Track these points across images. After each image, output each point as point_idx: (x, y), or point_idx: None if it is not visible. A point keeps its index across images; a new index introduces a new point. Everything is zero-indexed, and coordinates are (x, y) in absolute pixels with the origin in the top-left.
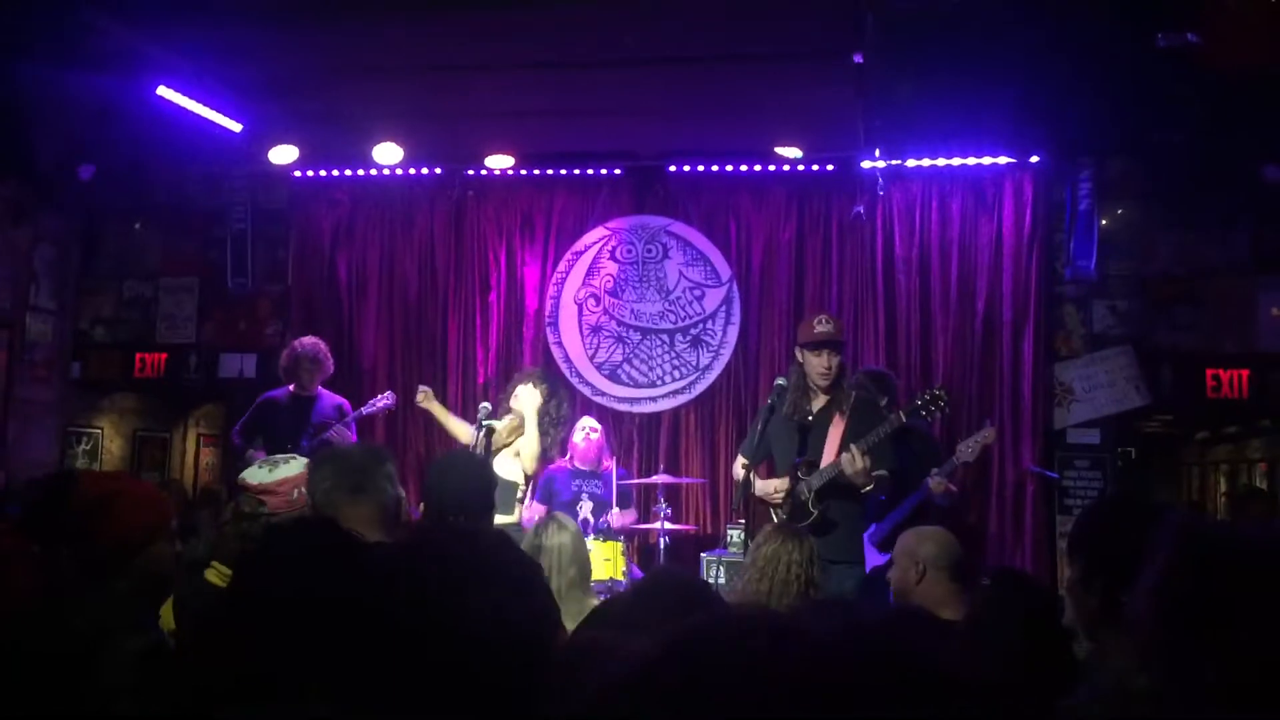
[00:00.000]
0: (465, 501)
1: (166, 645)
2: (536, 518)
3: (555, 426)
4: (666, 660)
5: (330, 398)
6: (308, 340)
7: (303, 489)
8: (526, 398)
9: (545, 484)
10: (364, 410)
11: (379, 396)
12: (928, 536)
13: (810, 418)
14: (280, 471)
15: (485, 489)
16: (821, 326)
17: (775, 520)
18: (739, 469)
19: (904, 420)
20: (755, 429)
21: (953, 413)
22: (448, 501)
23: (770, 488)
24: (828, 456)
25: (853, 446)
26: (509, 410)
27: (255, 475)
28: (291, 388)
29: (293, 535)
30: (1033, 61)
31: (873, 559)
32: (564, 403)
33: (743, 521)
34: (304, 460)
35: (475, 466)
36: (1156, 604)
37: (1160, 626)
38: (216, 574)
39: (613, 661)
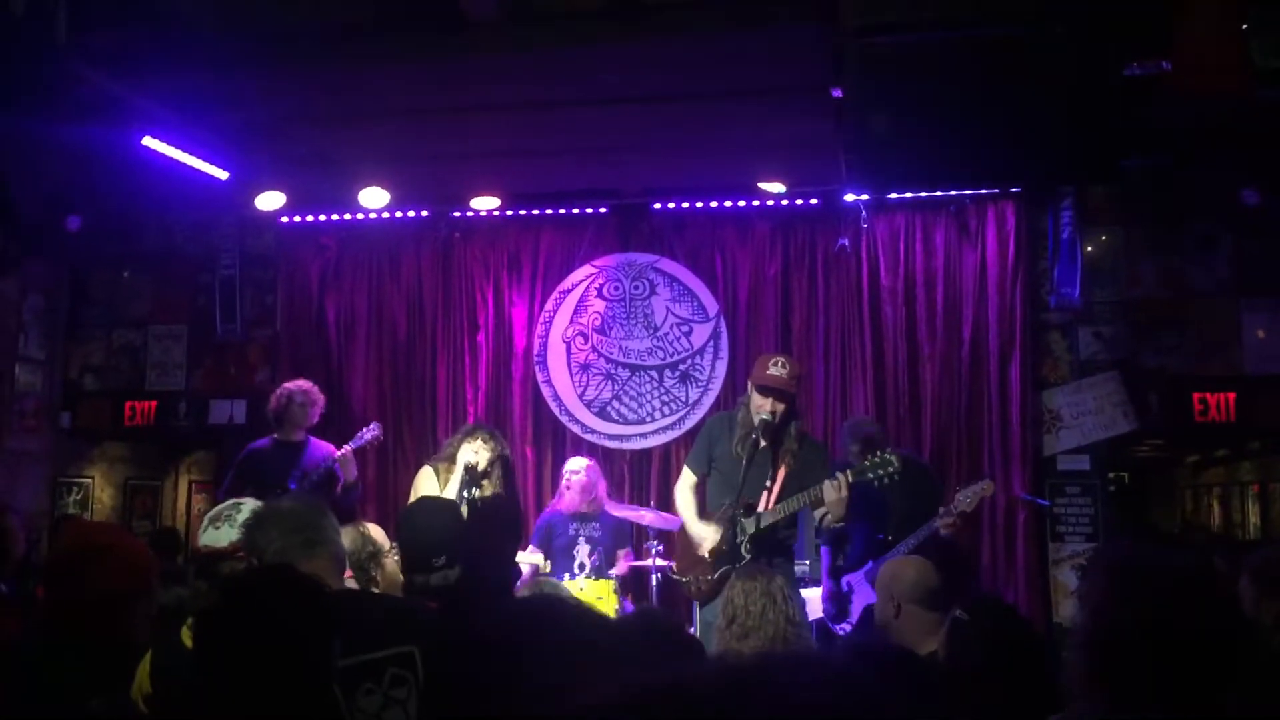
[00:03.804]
0: (430, 553)
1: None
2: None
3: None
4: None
5: (320, 446)
6: (298, 383)
7: None
8: (475, 453)
9: (543, 528)
10: (353, 445)
11: (364, 429)
12: (900, 569)
13: (756, 452)
14: (240, 521)
15: (449, 538)
16: (775, 370)
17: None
18: (688, 493)
19: (850, 480)
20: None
21: (943, 442)
22: (414, 553)
23: (703, 534)
24: (766, 502)
25: (839, 475)
26: (451, 464)
27: (221, 537)
28: (276, 436)
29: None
30: (1007, 93)
31: (869, 595)
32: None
33: None
34: (253, 501)
35: (436, 515)
36: (1091, 628)
37: (1094, 650)
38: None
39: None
